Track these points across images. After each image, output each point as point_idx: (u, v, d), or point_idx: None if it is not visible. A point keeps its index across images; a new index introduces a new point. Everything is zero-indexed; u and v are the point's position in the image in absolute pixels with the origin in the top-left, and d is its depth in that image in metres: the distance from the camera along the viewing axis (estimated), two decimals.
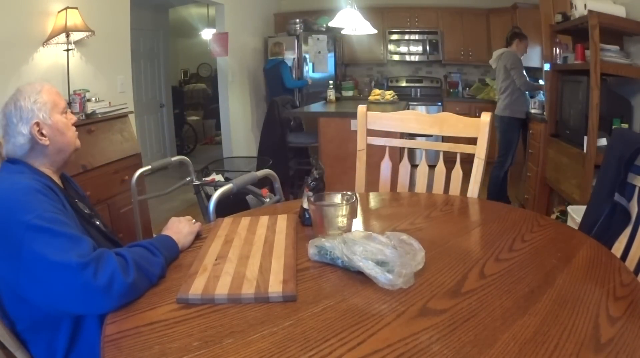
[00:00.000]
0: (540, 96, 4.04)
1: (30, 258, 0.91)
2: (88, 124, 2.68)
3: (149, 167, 2.24)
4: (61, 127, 1.21)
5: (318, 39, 5.76)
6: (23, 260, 0.92)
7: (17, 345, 1.06)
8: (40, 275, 0.91)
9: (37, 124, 1.16)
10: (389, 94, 5.00)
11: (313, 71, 5.81)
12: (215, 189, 1.84)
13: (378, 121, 1.85)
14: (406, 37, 6.23)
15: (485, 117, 1.65)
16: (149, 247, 1.05)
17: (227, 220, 1.38)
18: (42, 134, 1.17)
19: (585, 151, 2.69)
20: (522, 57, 3.98)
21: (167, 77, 6.30)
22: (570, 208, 2.64)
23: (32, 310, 1.03)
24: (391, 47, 6.30)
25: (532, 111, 3.94)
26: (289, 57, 5.45)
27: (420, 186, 1.80)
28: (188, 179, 2.48)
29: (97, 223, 1.28)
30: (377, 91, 5.03)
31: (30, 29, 2.62)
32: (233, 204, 2.28)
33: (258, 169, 3.10)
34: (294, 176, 4.50)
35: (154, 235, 1.22)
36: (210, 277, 1.01)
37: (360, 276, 0.99)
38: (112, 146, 2.82)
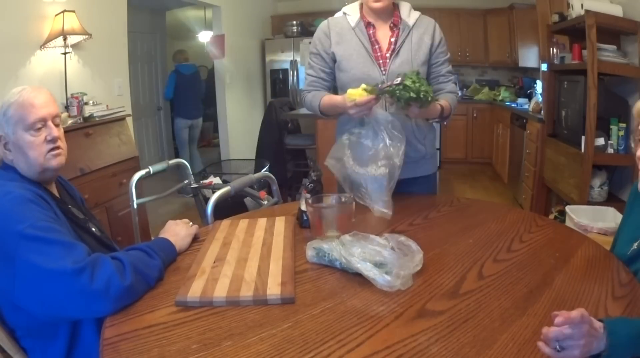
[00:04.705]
0: (538, 96, 4.05)
1: (25, 268, 0.91)
2: (86, 127, 2.67)
3: (147, 170, 2.23)
4: (22, 146, 1.10)
5: (309, 42, 5.75)
6: (18, 270, 0.92)
7: (17, 349, 1.05)
8: (36, 283, 0.91)
9: (1, 137, 1.11)
10: None
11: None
12: (213, 192, 1.83)
13: None
14: None
15: None
16: (146, 250, 1.05)
17: (225, 223, 1.38)
18: (6, 148, 1.12)
19: (583, 150, 2.69)
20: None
21: (164, 80, 6.28)
22: (568, 208, 2.64)
23: (30, 318, 1.03)
24: None
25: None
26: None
27: None
28: (186, 182, 2.47)
29: (92, 228, 1.26)
30: None
31: (27, 33, 2.61)
32: (231, 207, 2.27)
33: (256, 171, 3.10)
34: (291, 179, 4.48)
35: (152, 238, 1.21)
36: (208, 280, 1.00)
37: (358, 278, 0.99)
38: (109, 149, 2.82)
